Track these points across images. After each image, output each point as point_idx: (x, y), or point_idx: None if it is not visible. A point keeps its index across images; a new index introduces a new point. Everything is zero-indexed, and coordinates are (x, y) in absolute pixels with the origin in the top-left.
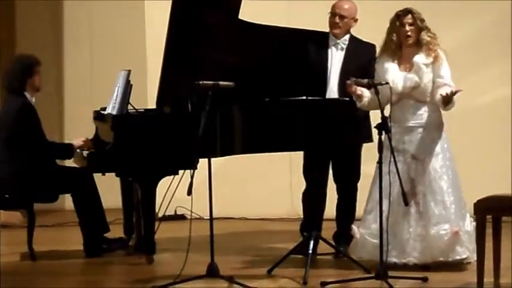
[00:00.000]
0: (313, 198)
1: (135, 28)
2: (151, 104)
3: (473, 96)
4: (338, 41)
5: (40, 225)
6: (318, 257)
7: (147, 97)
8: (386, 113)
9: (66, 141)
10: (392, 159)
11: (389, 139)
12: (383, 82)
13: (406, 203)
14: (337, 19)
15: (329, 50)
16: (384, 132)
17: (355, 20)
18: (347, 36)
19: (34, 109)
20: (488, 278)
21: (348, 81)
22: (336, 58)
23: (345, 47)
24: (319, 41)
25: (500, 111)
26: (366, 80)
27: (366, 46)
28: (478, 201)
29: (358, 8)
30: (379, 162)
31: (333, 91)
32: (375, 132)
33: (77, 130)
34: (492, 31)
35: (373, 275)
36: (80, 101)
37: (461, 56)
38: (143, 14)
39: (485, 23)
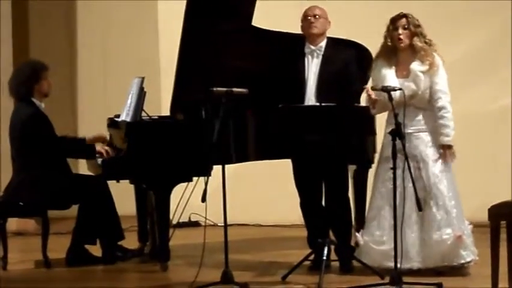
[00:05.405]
0: (310, 211)
1: (149, 35)
2: (165, 111)
3: (474, 105)
4: (314, 48)
5: (54, 233)
6: (332, 263)
7: (160, 104)
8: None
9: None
10: (406, 166)
11: (403, 145)
12: (396, 88)
13: (420, 209)
14: (312, 19)
15: (305, 59)
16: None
17: (329, 22)
18: (323, 43)
19: (44, 116)
20: (503, 284)
21: (364, 86)
22: (312, 66)
23: (321, 54)
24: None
25: (501, 121)
26: (380, 86)
27: (343, 48)
28: (492, 206)
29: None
30: (393, 168)
31: (311, 99)
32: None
33: None
34: (493, 43)
35: (387, 281)
36: (94, 108)
37: (462, 67)
38: (157, 21)
39: (486, 34)
